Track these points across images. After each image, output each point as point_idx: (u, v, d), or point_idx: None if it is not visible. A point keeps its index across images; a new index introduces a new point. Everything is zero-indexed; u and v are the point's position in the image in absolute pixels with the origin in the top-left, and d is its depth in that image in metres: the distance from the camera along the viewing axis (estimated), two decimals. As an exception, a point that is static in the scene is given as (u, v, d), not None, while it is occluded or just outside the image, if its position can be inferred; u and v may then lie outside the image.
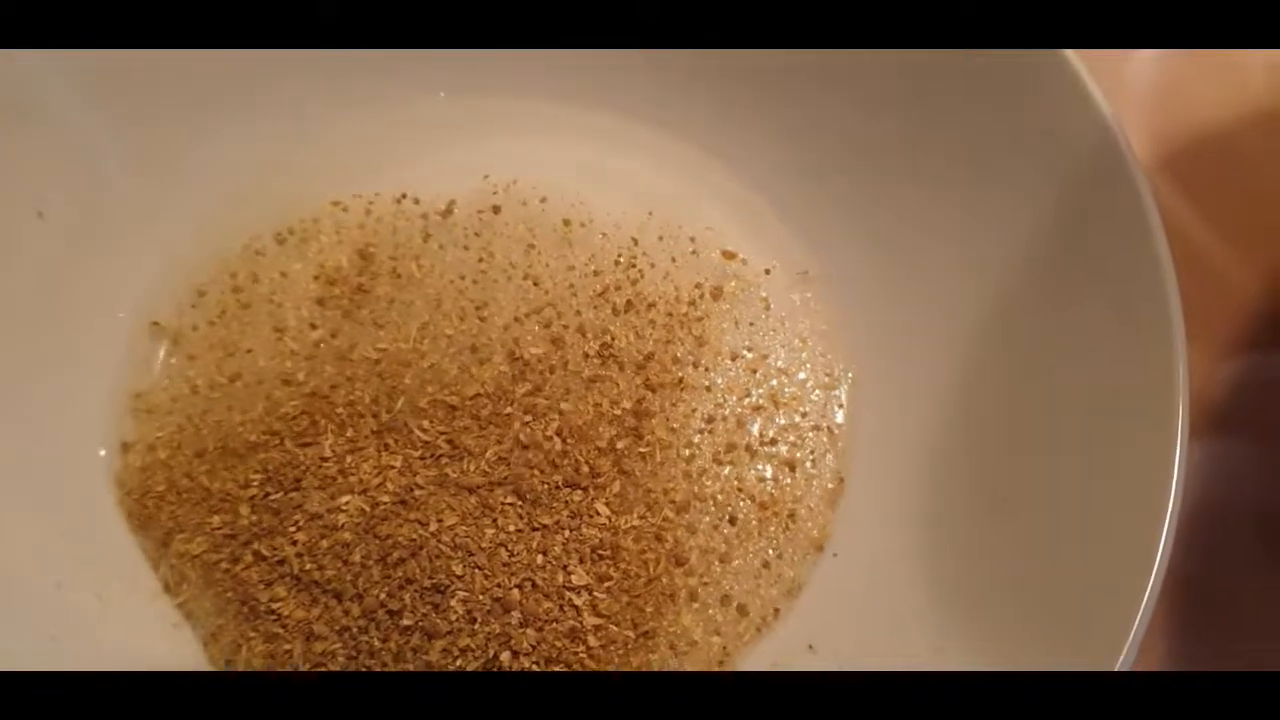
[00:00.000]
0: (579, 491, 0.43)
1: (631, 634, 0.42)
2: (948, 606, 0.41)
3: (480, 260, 0.48)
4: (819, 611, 0.43)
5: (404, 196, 0.50)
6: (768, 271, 0.49)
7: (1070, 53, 0.39)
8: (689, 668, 0.42)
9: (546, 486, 0.43)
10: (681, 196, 0.50)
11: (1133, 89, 0.55)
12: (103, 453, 0.45)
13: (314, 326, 0.47)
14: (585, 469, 0.43)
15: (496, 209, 0.49)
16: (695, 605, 0.43)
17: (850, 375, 0.48)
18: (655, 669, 0.42)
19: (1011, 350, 0.43)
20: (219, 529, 0.43)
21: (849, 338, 0.48)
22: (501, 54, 0.48)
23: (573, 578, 0.41)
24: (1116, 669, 0.34)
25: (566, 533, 0.42)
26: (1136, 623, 0.34)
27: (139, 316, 0.47)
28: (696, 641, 0.43)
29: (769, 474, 0.46)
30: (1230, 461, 0.47)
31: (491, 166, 0.50)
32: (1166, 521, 0.35)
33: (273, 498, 0.43)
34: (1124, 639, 0.34)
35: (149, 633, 0.42)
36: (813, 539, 0.45)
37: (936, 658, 0.39)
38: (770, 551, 0.44)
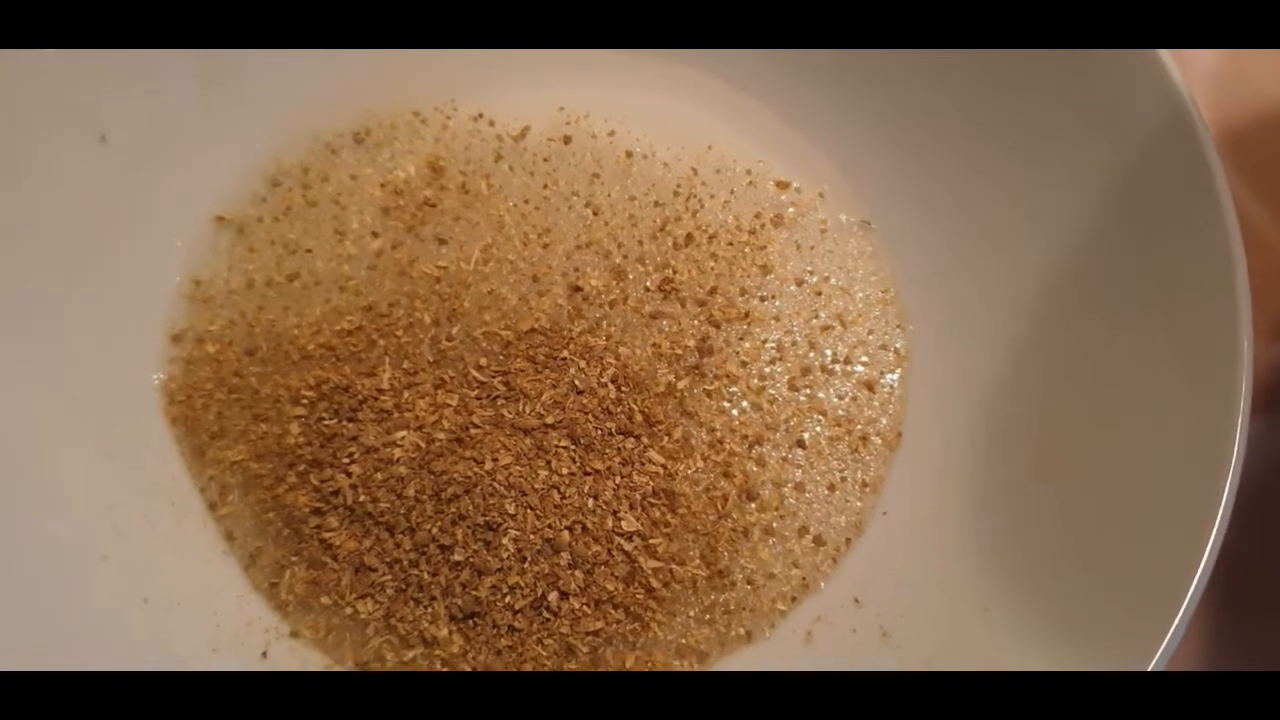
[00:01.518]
0: (630, 439, 0.43)
1: (703, 573, 0.43)
2: (997, 567, 0.41)
3: (545, 187, 0.49)
4: (867, 565, 0.44)
5: (480, 116, 0.50)
6: (821, 195, 0.49)
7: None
8: (766, 602, 0.43)
9: (600, 433, 0.43)
10: (739, 134, 0.50)
11: (1194, 70, 0.54)
12: (158, 374, 0.45)
13: (375, 235, 0.48)
14: (639, 417, 0.44)
15: (567, 139, 0.50)
16: (772, 540, 0.44)
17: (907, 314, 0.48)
18: (731, 607, 0.43)
19: (1070, 318, 0.42)
20: (262, 438, 0.43)
21: (906, 279, 0.48)
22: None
23: (623, 523, 0.42)
24: (1166, 640, 0.34)
25: (618, 479, 0.42)
26: (1189, 596, 0.34)
27: (210, 207, 0.47)
28: (775, 575, 0.44)
29: (848, 393, 0.46)
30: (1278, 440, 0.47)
31: (568, 100, 0.50)
32: (1224, 496, 0.35)
33: (326, 423, 0.43)
34: (1175, 610, 0.34)
35: (196, 556, 0.43)
36: (870, 479, 0.45)
37: (982, 617, 0.39)
38: (837, 474, 0.45)
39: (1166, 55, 0.38)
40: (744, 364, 0.46)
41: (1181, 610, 0.34)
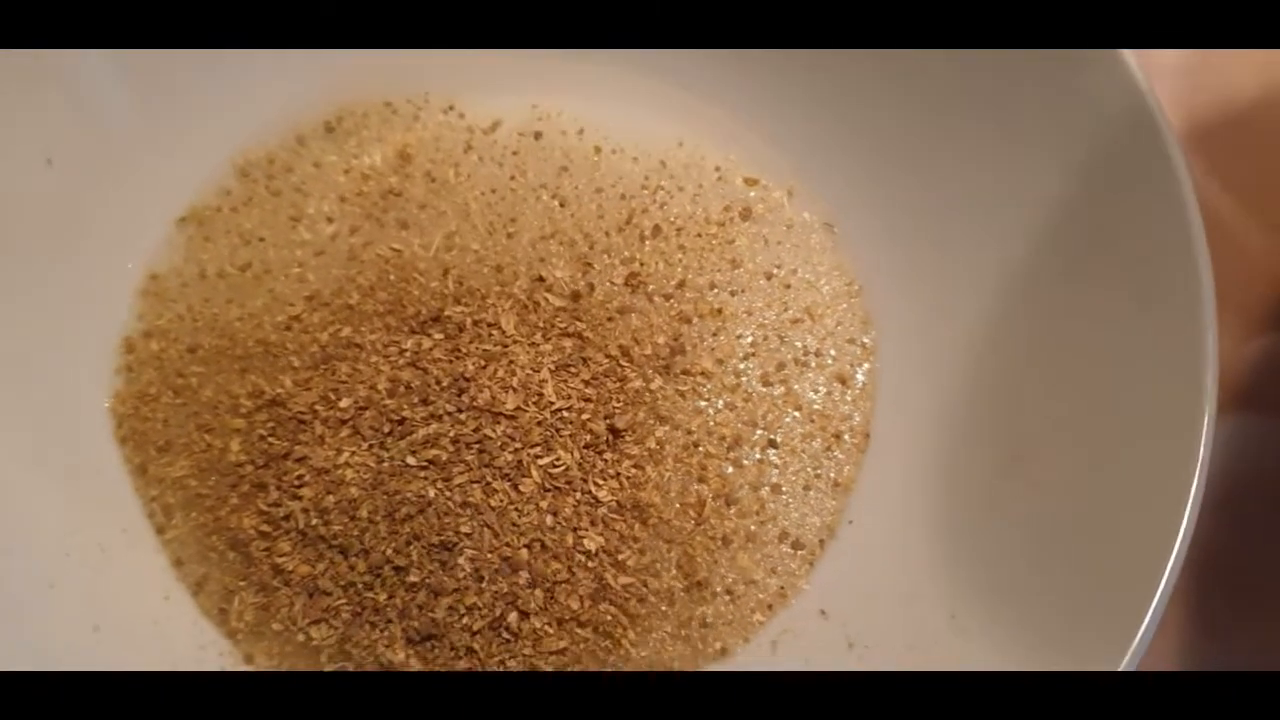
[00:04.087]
0: (593, 452, 0.42)
1: (680, 585, 0.42)
2: (962, 572, 0.40)
3: (512, 178, 0.48)
4: (832, 574, 0.42)
5: (452, 108, 0.49)
6: (790, 193, 0.48)
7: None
8: (744, 613, 0.42)
9: (564, 445, 0.41)
10: (708, 136, 0.49)
11: (1162, 63, 0.54)
12: (109, 378, 0.44)
13: (330, 220, 0.47)
14: (603, 426, 0.42)
15: (538, 134, 0.49)
16: (752, 546, 0.43)
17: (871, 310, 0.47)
18: (709, 620, 0.42)
19: (1035, 315, 0.41)
20: (205, 451, 0.43)
21: (870, 276, 0.47)
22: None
23: (584, 541, 0.40)
24: (1136, 641, 0.33)
25: (578, 494, 0.41)
26: (1158, 595, 0.33)
27: (176, 205, 0.47)
28: (755, 581, 0.43)
29: (822, 386, 0.45)
30: (1253, 439, 0.46)
31: (541, 101, 0.49)
32: (1191, 495, 0.34)
33: (267, 441, 0.42)
34: (1145, 610, 0.33)
35: (148, 584, 0.42)
36: (841, 479, 0.44)
37: (950, 624, 0.38)
38: (811, 473, 0.44)
39: (1129, 53, 0.38)
40: (719, 360, 0.45)
41: (1151, 610, 0.33)
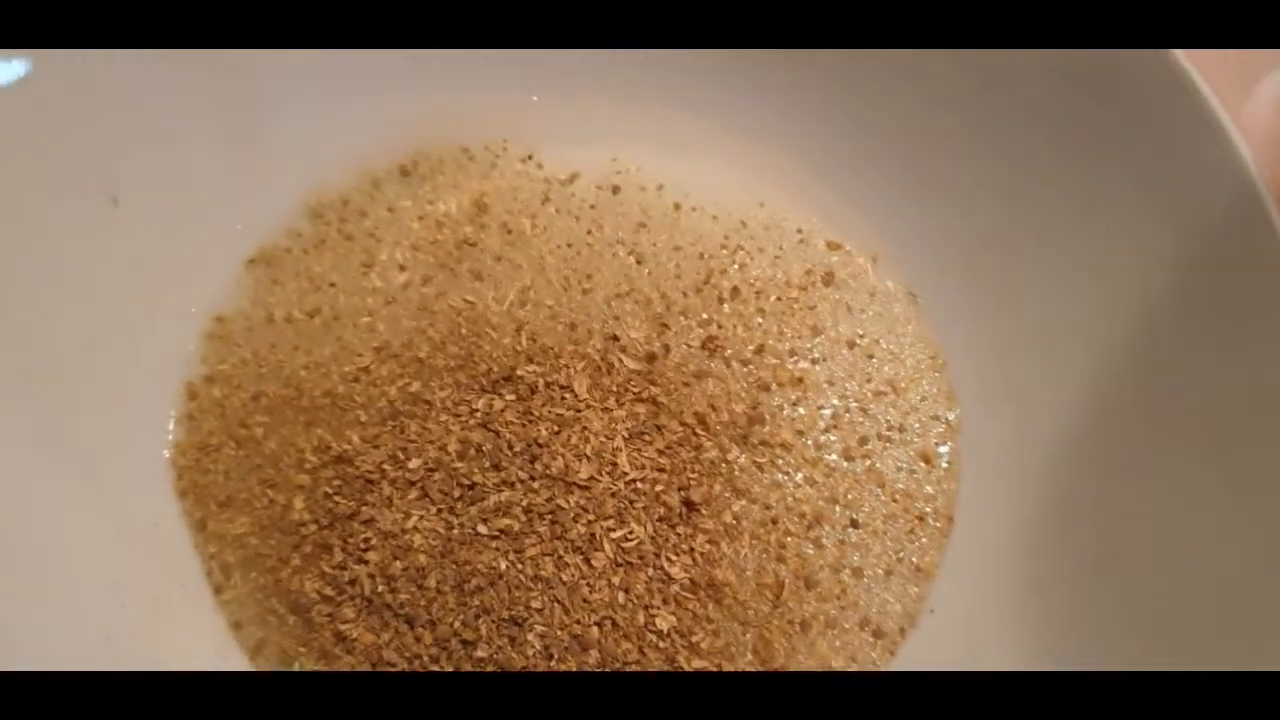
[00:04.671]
0: (667, 525, 0.41)
1: (755, 670, 0.40)
2: (1045, 669, 0.38)
3: (589, 232, 0.47)
4: (911, 665, 0.41)
5: (530, 158, 0.48)
6: (874, 259, 0.47)
7: (1209, 94, 0.37)
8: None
9: (636, 518, 0.40)
10: (791, 198, 0.48)
11: (1250, 135, 0.52)
12: (171, 425, 0.43)
13: (403, 269, 0.46)
14: (677, 499, 0.41)
15: (616, 189, 0.48)
16: (832, 632, 0.41)
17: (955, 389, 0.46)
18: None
19: (1120, 402, 0.40)
20: (267, 508, 0.41)
21: (954, 351, 0.46)
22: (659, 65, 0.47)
23: (656, 620, 0.39)
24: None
25: (650, 570, 0.40)
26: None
27: (245, 246, 0.46)
28: (834, 669, 0.41)
29: (905, 465, 0.44)
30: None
31: (621, 152, 0.48)
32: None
33: (333, 500, 0.41)
34: None
35: (204, 643, 0.41)
36: (924, 565, 0.43)
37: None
38: (894, 556, 0.42)
39: (1233, 128, 0.36)
40: (799, 432, 0.44)
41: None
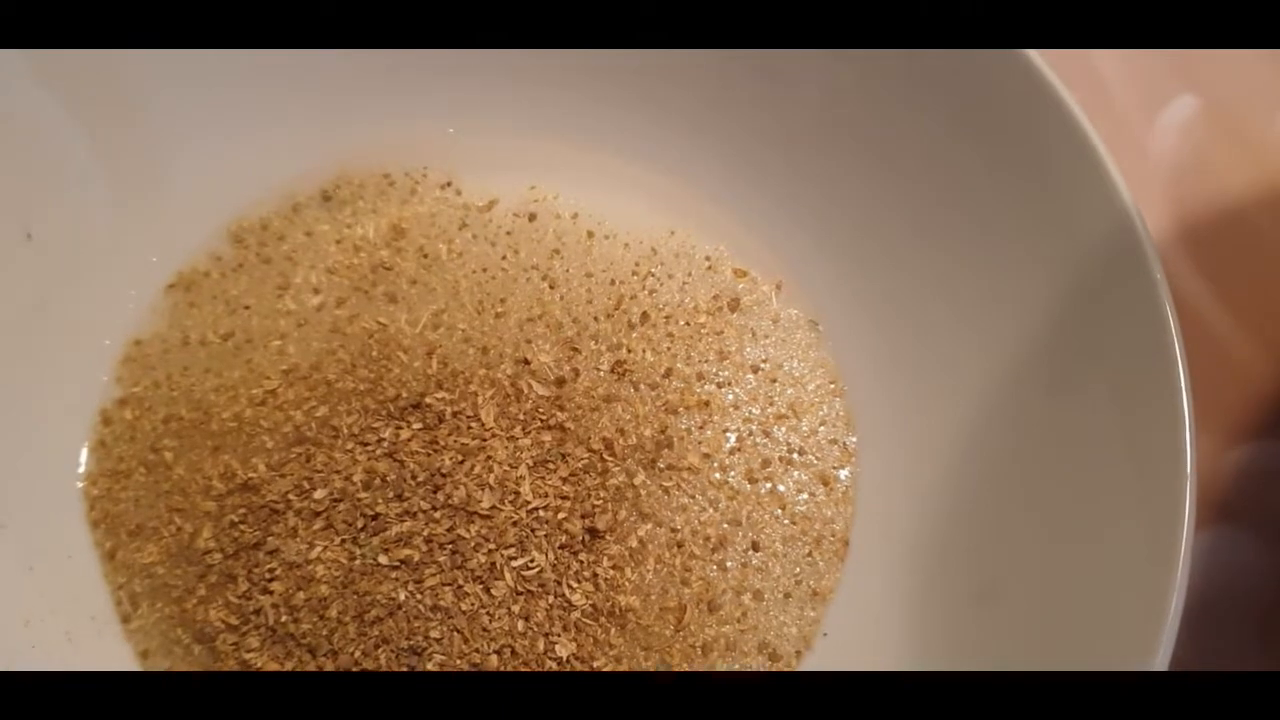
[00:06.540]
0: (568, 553, 0.41)
1: None
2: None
3: (504, 257, 0.48)
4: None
5: (449, 184, 0.49)
6: (778, 287, 0.48)
7: (1091, 131, 0.38)
8: None
9: (538, 546, 0.41)
10: (700, 228, 0.49)
11: (1155, 159, 0.54)
12: (84, 455, 0.44)
13: (316, 291, 0.47)
14: (579, 526, 0.42)
15: (533, 216, 0.48)
16: (731, 654, 0.42)
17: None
18: None
19: (1011, 428, 0.41)
20: (175, 536, 0.42)
21: (853, 378, 0.47)
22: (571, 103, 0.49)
23: (556, 647, 0.40)
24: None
25: (551, 597, 0.41)
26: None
27: (165, 271, 0.47)
28: None
29: (805, 487, 0.45)
30: (1234, 552, 0.46)
31: (539, 180, 0.49)
32: (1170, 615, 0.34)
33: (238, 528, 0.41)
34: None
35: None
36: (820, 589, 0.44)
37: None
38: (793, 579, 0.43)
39: (1114, 167, 0.38)
40: (706, 455, 0.44)
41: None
